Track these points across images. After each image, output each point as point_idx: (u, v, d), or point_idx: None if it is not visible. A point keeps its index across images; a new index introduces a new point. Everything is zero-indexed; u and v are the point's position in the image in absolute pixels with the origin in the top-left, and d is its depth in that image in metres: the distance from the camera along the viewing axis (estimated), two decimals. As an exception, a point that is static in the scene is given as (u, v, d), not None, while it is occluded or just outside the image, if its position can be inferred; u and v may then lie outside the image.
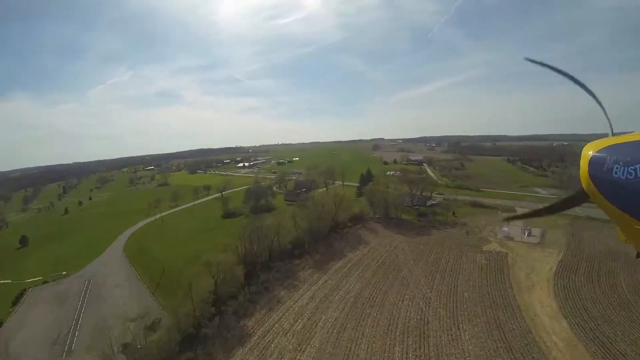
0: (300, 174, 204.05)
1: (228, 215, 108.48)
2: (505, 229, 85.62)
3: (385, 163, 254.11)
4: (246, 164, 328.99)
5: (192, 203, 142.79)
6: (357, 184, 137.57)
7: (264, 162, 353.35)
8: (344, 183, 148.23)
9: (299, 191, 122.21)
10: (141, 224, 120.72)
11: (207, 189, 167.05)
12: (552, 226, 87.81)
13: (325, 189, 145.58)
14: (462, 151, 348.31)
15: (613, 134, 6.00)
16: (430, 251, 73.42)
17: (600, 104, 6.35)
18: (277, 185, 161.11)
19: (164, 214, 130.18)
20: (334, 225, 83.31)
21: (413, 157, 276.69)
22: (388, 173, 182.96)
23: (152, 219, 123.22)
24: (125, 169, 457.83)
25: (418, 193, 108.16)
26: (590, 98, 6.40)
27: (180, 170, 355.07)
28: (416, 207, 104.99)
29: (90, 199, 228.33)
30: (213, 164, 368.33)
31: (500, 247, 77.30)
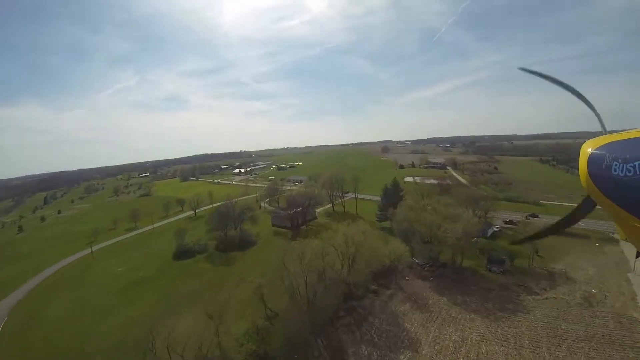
0: (301, 182, 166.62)
1: (181, 254, 69.65)
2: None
3: (401, 167, 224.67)
4: (242, 170, 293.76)
5: (151, 226, 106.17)
6: (376, 198, 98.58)
7: (263, 167, 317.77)
8: (357, 196, 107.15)
9: (292, 211, 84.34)
10: (71, 259, 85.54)
11: (182, 204, 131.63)
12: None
13: (331, 205, 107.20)
14: (483, 151, 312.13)
15: (607, 133, 5.76)
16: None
17: (592, 108, 6.16)
18: (268, 200, 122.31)
19: (107, 243, 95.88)
20: (347, 294, 44.63)
21: (433, 160, 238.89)
22: (406, 179, 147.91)
23: (87, 251, 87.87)
24: (119, 176, 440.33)
25: (477, 216, 68.84)
26: (584, 104, 6.29)
27: (174, 178, 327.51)
28: (474, 240, 66.39)
29: (59, 212, 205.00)
30: (210, 170, 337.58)
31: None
